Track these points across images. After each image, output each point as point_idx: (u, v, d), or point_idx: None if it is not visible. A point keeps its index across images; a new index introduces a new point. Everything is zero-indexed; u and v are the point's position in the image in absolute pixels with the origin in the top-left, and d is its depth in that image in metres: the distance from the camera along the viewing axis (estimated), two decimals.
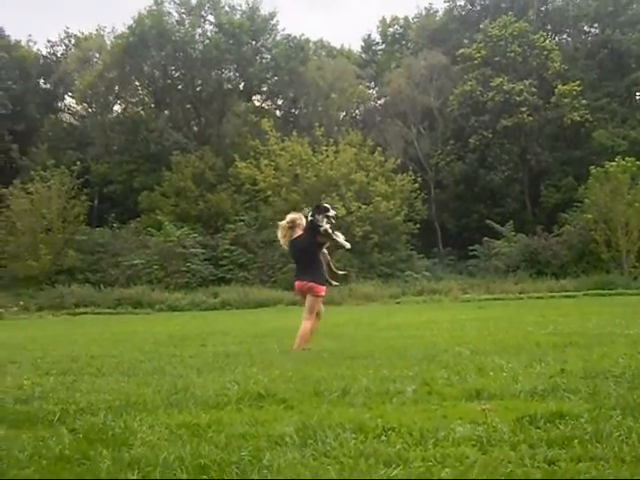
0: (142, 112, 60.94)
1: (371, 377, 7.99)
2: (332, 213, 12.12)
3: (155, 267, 45.39)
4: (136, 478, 4.40)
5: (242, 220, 50.18)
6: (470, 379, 7.61)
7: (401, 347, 11.76)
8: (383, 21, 71.26)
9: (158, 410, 6.52)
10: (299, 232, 12.19)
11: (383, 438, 5.10)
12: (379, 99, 67.00)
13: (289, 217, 12.41)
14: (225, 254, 47.99)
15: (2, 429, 5.91)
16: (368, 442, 4.97)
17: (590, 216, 46.34)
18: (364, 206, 46.08)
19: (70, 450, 4.98)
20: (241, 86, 61.44)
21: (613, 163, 46.02)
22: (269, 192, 48.87)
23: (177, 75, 59.63)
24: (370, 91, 66.96)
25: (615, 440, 4.74)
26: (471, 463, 4.40)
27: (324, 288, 12.30)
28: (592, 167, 46.90)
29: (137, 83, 60.81)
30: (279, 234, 12.41)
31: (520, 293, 40.82)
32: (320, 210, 12.07)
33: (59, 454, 4.92)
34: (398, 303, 39.31)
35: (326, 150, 48.77)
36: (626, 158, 46.23)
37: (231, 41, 56.38)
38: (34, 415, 6.37)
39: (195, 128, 60.87)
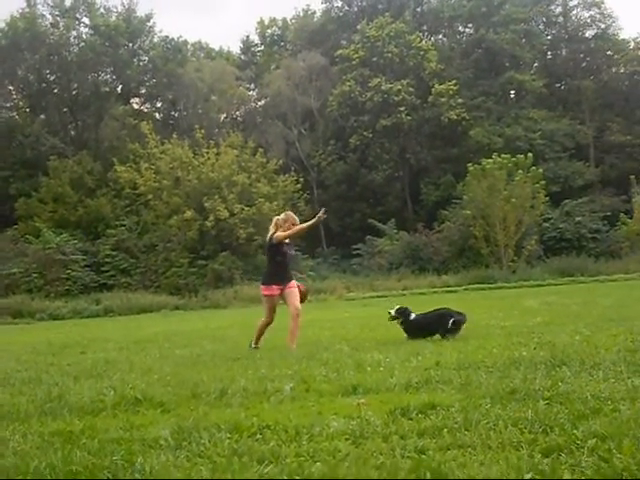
0: (17, 117, 59.21)
1: (250, 377, 8.00)
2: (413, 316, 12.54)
3: (34, 275, 44.21)
4: None
5: (123, 225, 49.41)
6: (348, 375, 7.71)
7: (283, 347, 11.79)
8: (261, 23, 71.25)
9: (31, 419, 6.37)
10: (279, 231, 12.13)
11: (258, 436, 5.11)
12: (259, 100, 66.91)
13: (282, 215, 12.46)
14: (107, 260, 47.16)
15: None
16: (243, 441, 4.98)
17: (469, 212, 47.32)
18: (247, 208, 45.92)
19: None
20: (119, 89, 60.58)
21: (490, 160, 47.05)
22: (150, 196, 48.24)
23: (52, 78, 58.24)
24: (250, 93, 66.77)
25: (483, 428, 4.87)
26: (343, 456, 4.45)
27: (263, 287, 12.26)
28: (469, 164, 47.84)
29: (11, 87, 59.09)
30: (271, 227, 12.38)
31: (403, 290, 41.43)
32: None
33: None
34: (283, 304, 39.27)
35: (207, 152, 48.37)
36: (502, 155, 47.36)
37: (107, 43, 55.59)
38: None
39: (72, 132, 59.56)
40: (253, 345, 12.14)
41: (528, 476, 3.84)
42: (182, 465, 4.51)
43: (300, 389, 7.01)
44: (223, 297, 40.97)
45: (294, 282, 12.18)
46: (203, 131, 50.63)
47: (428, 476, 3.88)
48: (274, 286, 11.98)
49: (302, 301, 12.25)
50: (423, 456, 4.34)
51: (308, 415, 5.77)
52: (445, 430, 4.88)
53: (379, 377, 7.35)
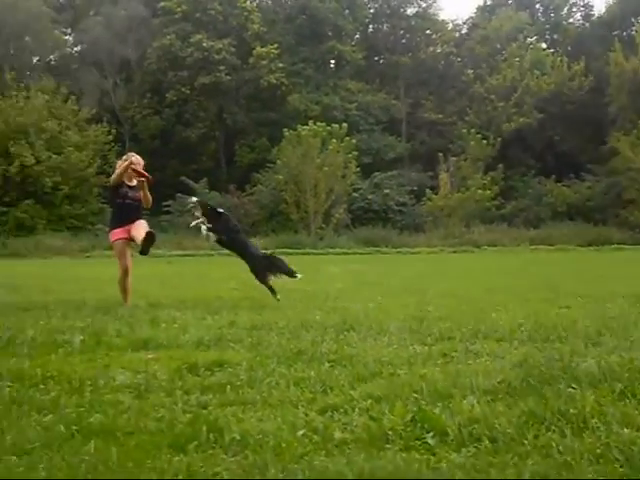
0: None
1: (40, 328, 7.83)
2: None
3: None
4: None
5: None
6: (140, 330, 7.68)
7: (79, 299, 11.57)
8: None
9: None
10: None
11: (41, 386, 5.05)
12: (75, 46, 64.73)
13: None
14: None
15: None
16: (24, 390, 4.91)
17: (281, 177, 47.87)
18: (55, 156, 44.58)
19: None
20: None
21: (305, 127, 47.68)
22: None
23: None
24: (66, 37, 64.38)
25: (266, 386, 5.00)
26: (124, 408, 4.47)
27: (110, 234, 11.36)
28: (285, 130, 48.25)
29: None
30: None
31: (212, 249, 41.32)
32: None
33: None
34: (88, 257, 38.56)
35: (16, 95, 46.49)
36: (317, 123, 48.09)
37: None
38: None
39: None
40: (124, 304, 10.89)
41: (301, 432, 3.97)
42: None
43: (91, 342, 6.93)
44: (23, 246, 39.69)
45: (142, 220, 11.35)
46: (13, 73, 48.62)
47: (204, 429, 3.94)
48: (117, 230, 11.16)
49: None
50: (204, 411, 4.42)
51: (95, 368, 5.74)
52: (229, 387, 4.97)
53: (172, 334, 7.38)
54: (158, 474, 3.38)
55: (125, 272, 11.06)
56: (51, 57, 63.58)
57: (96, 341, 6.97)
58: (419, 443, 3.85)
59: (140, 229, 10.95)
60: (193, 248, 41.70)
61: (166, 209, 49.94)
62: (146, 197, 11.34)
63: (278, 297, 11.19)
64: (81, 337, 7.09)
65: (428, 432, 3.97)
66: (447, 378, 5.15)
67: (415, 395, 4.68)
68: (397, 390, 4.80)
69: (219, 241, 11.99)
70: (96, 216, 46.87)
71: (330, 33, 60.29)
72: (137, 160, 11.27)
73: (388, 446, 3.79)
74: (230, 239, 11.91)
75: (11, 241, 41.01)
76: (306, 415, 4.32)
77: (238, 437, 3.86)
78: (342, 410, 4.40)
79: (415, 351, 6.36)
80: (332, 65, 63.21)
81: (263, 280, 11.49)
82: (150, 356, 6.14)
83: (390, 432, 3.95)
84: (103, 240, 41.13)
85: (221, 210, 11.93)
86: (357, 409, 4.40)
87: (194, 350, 6.52)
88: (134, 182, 11.23)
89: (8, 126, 45.11)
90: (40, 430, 4.03)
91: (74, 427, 4.05)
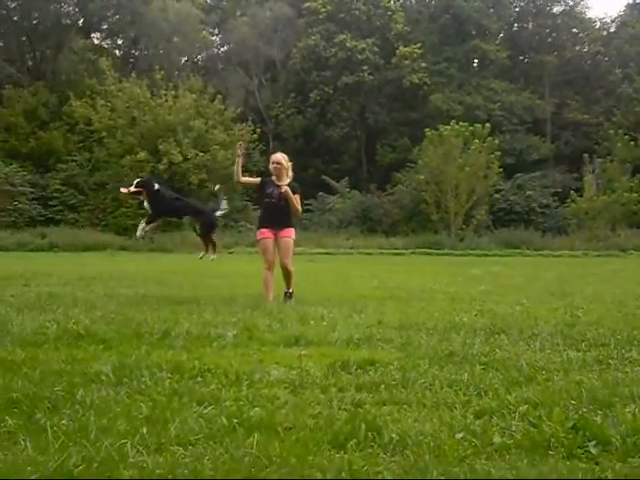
0: None
1: (194, 322, 8.05)
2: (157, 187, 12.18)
3: None
4: None
5: (74, 160, 48.58)
6: (291, 327, 7.81)
7: (227, 295, 11.82)
8: None
9: None
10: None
11: (199, 379, 5.18)
12: (222, 46, 66.25)
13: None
14: (55, 194, 46.56)
15: None
16: (183, 382, 5.04)
17: (422, 177, 47.63)
18: (201, 154, 45.61)
19: None
20: (80, 22, 59.20)
21: (447, 127, 47.33)
22: (104, 133, 47.34)
23: (13, 6, 56.82)
24: (213, 38, 65.89)
25: (419, 386, 4.99)
26: (281, 404, 4.54)
27: (258, 231, 11.50)
28: (427, 129, 48.02)
29: None
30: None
31: (350, 248, 41.61)
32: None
33: None
34: (231, 253, 39.26)
35: (165, 94, 47.73)
36: (460, 123, 47.65)
37: None
38: None
39: (29, 62, 58.17)
40: (267, 300, 10.96)
41: (460, 435, 3.94)
42: (122, 400, 4.56)
43: (243, 337, 7.08)
44: (170, 241, 40.80)
45: (289, 231, 11.32)
46: (163, 72, 49.90)
47: (363, 428, 3.95)
48: (263, 229, 11.26)
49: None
50: (359, 409, 4.44)
51: (249, 362, 5.86)
52: (382, 386, 4.98)
53: (321, 331, 7.45)
54: (320, 471, 3.41)
55: (269, 268, 11.22)
56: (199, 57, 65.27)
57: (248, 336, 7.11)
58: (581, 451, 3.77)
59: (284, 254, 11.24)
60: (333, 246, 41.97)
61: (307, 207, 50.36)
62: (294, 207, 11.27)
63: (213, 257, 12.40)
64: (234, 332, 7.25)
65: (590, 440, 3.88)
66: (605, 386, 5.02)
67: (573, 402, 4.59)
68: (554, 396, 4.72)
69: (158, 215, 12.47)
70: (239, 213, 47.66)
71: (474, 32, 59.85)
72: (275, 158, 11.65)
73: (551, 453, 3.73)
74: (174, 208, 12.53)
75: (158, 236, 42.20)
76: (463, 417, 4.29)
77: (396, 437, 3.87)
78: (499, 414, 4.35)
79: (569, 357, 6.23)
80: (475, 64, 62.65)
81: (208, 236, 12.45)
82: (303, 352, 6.22)
83: (552, 439, 3.87)
84: (246, 237, 42.06)
85: (157, 186, 12.17)
86: (515, 414, 4.34)
87: (345, 348, 6.58)
88: (285, 181, 11.32)
89: (157, 124, 46.40)
90: (202, 422, 4.12)
91: (235, 420, 4.13)
